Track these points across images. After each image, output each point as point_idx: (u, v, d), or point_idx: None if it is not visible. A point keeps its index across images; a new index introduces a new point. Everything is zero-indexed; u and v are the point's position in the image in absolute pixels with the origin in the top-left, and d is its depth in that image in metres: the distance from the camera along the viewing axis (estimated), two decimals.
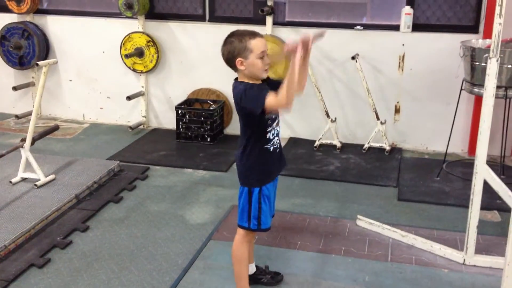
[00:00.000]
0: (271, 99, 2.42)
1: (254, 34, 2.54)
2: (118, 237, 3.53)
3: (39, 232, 3.54)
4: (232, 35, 2.56)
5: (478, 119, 3.37)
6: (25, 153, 4.19)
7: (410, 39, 5.10)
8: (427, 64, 5.10)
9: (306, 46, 2.42)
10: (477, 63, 4.24)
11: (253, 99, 2.48)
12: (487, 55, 3.04)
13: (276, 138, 2.68)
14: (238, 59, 2.52)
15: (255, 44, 2.51)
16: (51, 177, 4.27)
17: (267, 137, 2.63)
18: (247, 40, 2.50)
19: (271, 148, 2.66)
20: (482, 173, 3.09)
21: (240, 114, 2.62)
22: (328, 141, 5.31)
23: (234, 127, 5.72)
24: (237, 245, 2.79)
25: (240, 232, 2.78)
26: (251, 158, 2.65)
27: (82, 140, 5.54)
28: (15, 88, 5.87)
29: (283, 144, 5.18)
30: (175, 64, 5.80)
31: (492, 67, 2.98)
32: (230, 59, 2.55)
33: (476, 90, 4.37)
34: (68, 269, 3.15)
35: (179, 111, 5.46)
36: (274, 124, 2.64)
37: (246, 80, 2.59)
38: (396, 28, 5.12)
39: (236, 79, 2.63)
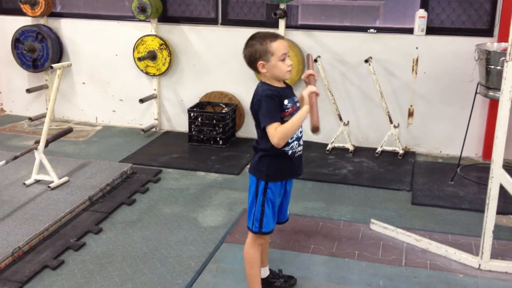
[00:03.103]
0: (271, 129, 2.49)
1: (275, 36, 2.53)
2: (131, 239, 3.54)
3: (52, 234, 3.56)
4: (253, 37, 2.56)
5: (493, 123, 3.34)
6: (39, 155, 4.21)
7: (424, 42, 5.08)
8: (441, 67, 5.07)
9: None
10: (493, 67, 4.21)
11: (266, 113, 2.50)
12: (503, 58, 3.02)
13: (295, 142, 2.64)
14: (260, 62, 2.52)
15: (276, 47, 2.50)
16: (65, 179, 4.29)
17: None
18: (268, 43, 2.50)
19: (289, 152, 2.64)
20: (498, 177, 3.06)
21: (255, 116, 2.61)
22: (341, 145, 5.29)
23: (246, 130, 5.72)
24: (248, 248, 2.78)
25: (251, 235, 2.77)
26: (267, 156, 2.63)
27: (95, 143, 5.57)
28: (28, 91, 5.92)
29: None
30: (188, 67, 5.81)
31: (509, 71, 2.95)
32: (252, 62, 2.56)
33: (491, 93, 4.33)
34: (81, 271, 3.16)
35: (192, 114, 5.47)
36: None
37: (269, 82, 2.59)
38: (409, 31, 5.10)
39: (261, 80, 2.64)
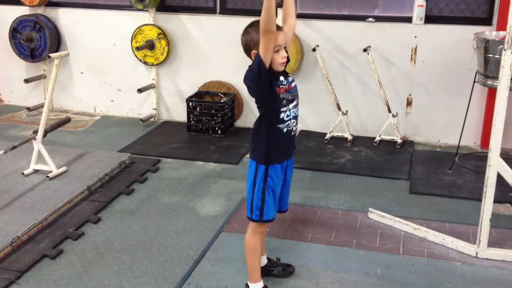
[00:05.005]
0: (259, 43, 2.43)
1: None
2: (130, 229, 3.55)
3: (51, 224, 3.57)
4: (251, 25, 2.57)
5: (491, 112, 3.35)
6: (37, 145, 4.21)
7: (422, 31, 5.06)
8: (439, 56, 5.06)
9: None
10: (491, 55, 4.20)
11: (254, 64, 2.49)
12: (501, 46, 3.01)
13: (292, 120, 2.65)
14: (253, 51, 2.52)
15: None
16: (63, 169, 4.29)
17: (281, 117, 2.61)
18: None
19: (285, 129, 2.64)
20: (496, 165, 3.07)
21: (251, 93, 2.63)
22: (339, 134, 5.29)
23: (245, 120, 5.72)
24: (249, 236, 2.79)
25: (252, 223, 2.77)
26: (262, 134, 2.65)
27: (93, 133, 5.57)
28: (26, 81, 5.91)
29: None
30: (186, 57, 5.80)
31: (507, 59, 2.95)
32: (247, 50, 2.58)
33: (489, 82, 4.33)
34: (80, 260, 3.17)
35: (190, 104, 5.46)
36: (291, 106, 2.62)
37: None
38: (408, 20, 5.09)
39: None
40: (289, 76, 2.66)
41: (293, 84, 2.65)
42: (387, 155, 4.93)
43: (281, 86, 2.57)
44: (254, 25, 2.55)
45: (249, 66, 2.59)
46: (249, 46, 2.55)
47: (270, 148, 2.65)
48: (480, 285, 2.97)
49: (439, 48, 5.05)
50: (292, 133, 2.70)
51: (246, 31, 2.57)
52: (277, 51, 2.52)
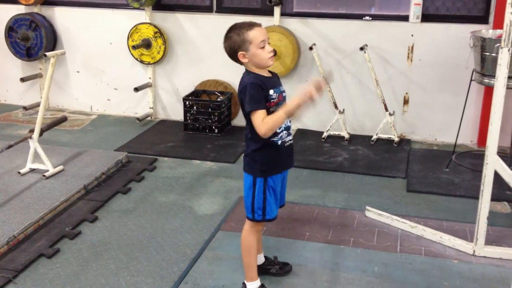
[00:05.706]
0: (256, 118, 2.47)
1: (251, 25, 2.52)
2: (127, 228, 3.54)
3: (48, 223, 3.56)
4: (230, 30, 2.56)
5: (488, 110, 3.35)
6: (34, 144, 4.20)
7: (419, 29, 5.07)
8: (436, 54, 5.06)
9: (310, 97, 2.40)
10: (488, 54, 4.20)
11: (250, 100, 2.49)
12: (498, 45, 3.02)
13: (284, 132, 2.63)
14: (240, 53, 2.52)
15: (253, 35, 2.49)
16: (60, 168, 4.28)
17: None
18: (244, 33, 2.49)
19: (279, 142, 2.62)
20: (493, 163, 3.07)
21: (242, 105, 2.60)
22: (336, 133, 5.29)
23: (241, 119, 5.68)
24: (245, 235, 2.78)
25: (249, 222, 2.77)
26: (257, 149, 2.62)
27: (90, 132, 5.55)
28: (22, 80, 5.89)
29: None
30: (183, 56, 5.79)
31: (504, 57, 2.96)
32: (232, 54, 2.56)
33: (486, 80, 4.33)
34: (77, 259, 3.16)
35: (187, 103, 5.45)
36: None
37: (254, 71, 2.58)
38: (405, 18, 5.09)
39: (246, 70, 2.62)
40: (280, 86, 2.63)
41: (283, 95, 2.63)
42: (384, 154, 4.93)
43: (271, 101, 2.55)
44: (232, 29, 2.54)
45: (242, 83, 2.56)
46: (234, 49, 2.53)
47: (267, 163, 2.63)
48: (477, 283, 2.97)
49: (435, 46, 5.05)
50: (286, 145, 2.66)
51: (227, 37, 2.55)
52: (263, 47, 2.51)
